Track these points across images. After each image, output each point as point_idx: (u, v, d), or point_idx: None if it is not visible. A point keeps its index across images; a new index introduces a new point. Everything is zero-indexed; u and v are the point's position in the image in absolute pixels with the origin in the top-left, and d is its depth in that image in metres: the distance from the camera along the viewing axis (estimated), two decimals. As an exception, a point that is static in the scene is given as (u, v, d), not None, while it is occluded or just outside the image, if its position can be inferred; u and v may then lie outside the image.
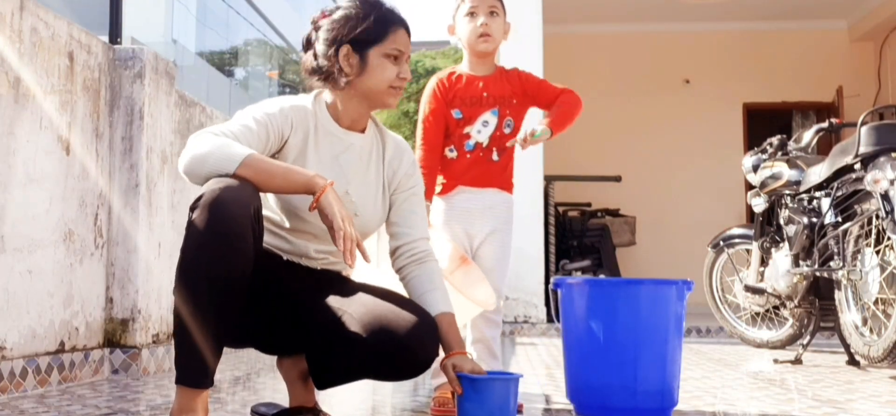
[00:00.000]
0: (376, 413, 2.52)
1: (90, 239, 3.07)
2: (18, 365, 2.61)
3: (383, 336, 1.86)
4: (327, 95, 2.08)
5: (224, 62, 23.84)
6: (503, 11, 2.68)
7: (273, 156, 1.95)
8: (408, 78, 2.01)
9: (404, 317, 1.89)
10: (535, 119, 2.81)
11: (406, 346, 1.87)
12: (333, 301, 1.97)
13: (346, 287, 2.06)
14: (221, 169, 1.76)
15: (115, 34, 3.51)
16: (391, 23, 2.02)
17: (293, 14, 28.67)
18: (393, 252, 2.16)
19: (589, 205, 8.25)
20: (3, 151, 2.57)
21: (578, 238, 7.73)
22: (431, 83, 2.70)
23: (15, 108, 2.63)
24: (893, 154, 3.43)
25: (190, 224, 1.75)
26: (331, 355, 1.96)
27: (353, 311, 1.92)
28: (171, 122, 3.51)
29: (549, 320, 6.29)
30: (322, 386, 2.05)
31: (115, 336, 3.17)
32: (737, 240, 5.00)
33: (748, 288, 4.73)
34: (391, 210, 2.15)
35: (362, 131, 2.10)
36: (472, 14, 2.62)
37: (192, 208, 1.76)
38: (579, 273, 7.36)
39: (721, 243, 5.09)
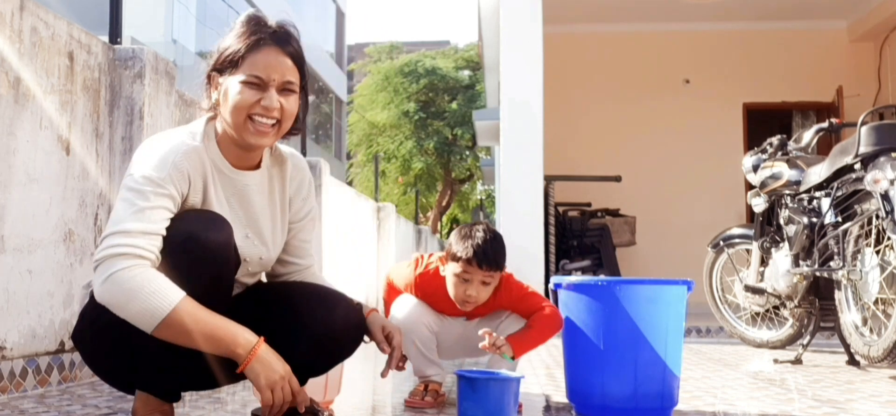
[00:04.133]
0: (376, 413, 2.52)
1: (90, 239, 3.07)
2: (18, 365, 2.61)
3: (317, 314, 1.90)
4: (218, 124, 1.88)
5: (224, 62, 23.82)
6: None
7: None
8: (273, 108, 1.77)
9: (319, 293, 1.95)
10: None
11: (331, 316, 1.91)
12: (270, 308, 1.96)
13: (268, 291, 2.05)
14: (143, 323, 1.64)
15: (115, 34, 3.51)
16: (256, 45, 1.79)
17: (293, 14, 28.66)
18: (275, 276, 2.09)
19: (589, 205, 8.25)
20: (3, 151, 2.57)
21: (578, 238, 7.73)
22: None
23: (15, 108, 2.63)
24: (893, 154, 3.42)
25: (174, 258, 1.71)
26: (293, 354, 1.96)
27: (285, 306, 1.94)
28: (171, 122, 3.51)
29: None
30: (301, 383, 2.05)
31: (115, 336, 3.17)
32: (737, 240, 5.00)
33: (748, 288, 4.73)
34: (288, 242, 2.05)
35: (256, 167, 1.93)
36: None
37: (174, 243, 1.71)
38: (579, 273, 7.36)
39: (721, 243, 5.09)
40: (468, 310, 2.50)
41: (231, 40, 1.83)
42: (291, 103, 1.84)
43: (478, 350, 2.57)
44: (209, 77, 1.86)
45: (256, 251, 1.94)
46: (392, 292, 2.64)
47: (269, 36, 1.82)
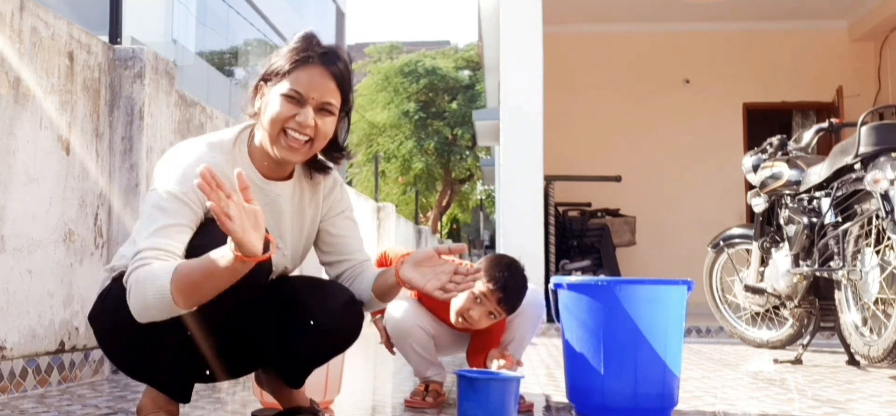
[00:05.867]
0: (376, 413, 2.52)
1: (90, 239, 3.07)
2: (18, 365, 2.62)
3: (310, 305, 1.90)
4: (257, 133, 1.90)
5: (224, 62, 23.87)
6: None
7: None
8: (307, 125, 1.79)
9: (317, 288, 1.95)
10: None
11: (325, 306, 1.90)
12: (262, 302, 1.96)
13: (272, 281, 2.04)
14: (162, 312, 1.64)
15: (115, 34, 3.51)
16: (301, 61, 1.81)
17: (293, 14, 28.67)
18: (336, 278, 2.08)
19: (589, 205, 8.25)
20: (3, 151, 2.58)
21: (578, 238, 7.72)
22: None
23: (15, 108, 2.63)
24: (893, 154, 3.42)
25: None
26: (285, 352, 1.96)
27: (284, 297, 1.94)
28: (170, 122, 3.51)
29: (550, 319, 6.26)
30: (295, 384, 2.06)
31: (115, 336, 3.17)
32: (737, 240, 5.00)
33: (748, 288, 4.73)
34: (323, 239, 2.04)
35: (288, 178, 1.95)
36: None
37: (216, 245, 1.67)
38: (579, 273, 7.36)
39: (721, 243, 5.09)
40: (458, 325, 2.49)
41: (282, 53, 1.86)
42: (327, 124, 1.85)
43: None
44: (256, 86, 1.88)
45: (281, 260, 1.96)
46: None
47: (317, 55, 1.83)
